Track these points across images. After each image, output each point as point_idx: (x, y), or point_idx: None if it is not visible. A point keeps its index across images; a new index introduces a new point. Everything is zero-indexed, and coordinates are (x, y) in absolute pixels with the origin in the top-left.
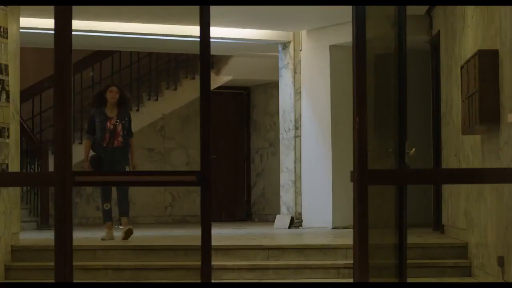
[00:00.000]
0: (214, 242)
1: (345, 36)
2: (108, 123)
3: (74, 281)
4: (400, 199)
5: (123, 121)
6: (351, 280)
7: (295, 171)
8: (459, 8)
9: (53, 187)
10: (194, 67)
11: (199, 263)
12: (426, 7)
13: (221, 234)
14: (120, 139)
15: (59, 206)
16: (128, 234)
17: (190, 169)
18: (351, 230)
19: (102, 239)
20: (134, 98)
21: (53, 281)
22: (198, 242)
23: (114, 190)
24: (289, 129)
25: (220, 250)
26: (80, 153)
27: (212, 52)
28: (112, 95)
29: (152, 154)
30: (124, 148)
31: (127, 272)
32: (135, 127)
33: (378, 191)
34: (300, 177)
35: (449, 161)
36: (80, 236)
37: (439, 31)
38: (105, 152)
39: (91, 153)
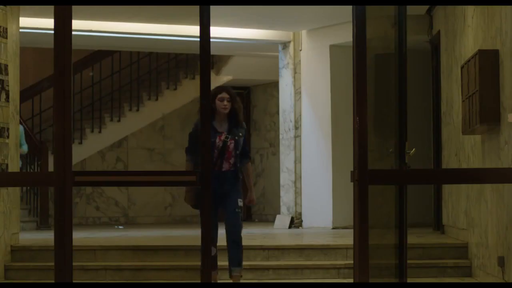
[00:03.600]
0: None
1: (345, 36)
2: (217, 139)
3: (74, 281)
4: (400, 199)
5: (236, 137)
6: (351, 280)
7: (295, 171)
8: (459, 8)
9: (53, 187)
10: (194, 67)
11: (199, 263)
12: (426, 7)
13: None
14: (232, 160)
15: (59, 206)
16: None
17: None
18: (351, 230)
19: None
20: (134, 98)
21: (53, 281)
22: (198, 242)
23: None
24: (289, 129)
25: (220, 250)
26: (80, 153)
27: (212, 52)
28: (223, 104)
29: (152, 154)
30: (237, 174)
31: (127, 272)
32: (135, 127)
33: (378, 191)
34: (300, 177)
35: (449, 161)
36: (80, 236)
37: (439, 31)
38: (213, 177)
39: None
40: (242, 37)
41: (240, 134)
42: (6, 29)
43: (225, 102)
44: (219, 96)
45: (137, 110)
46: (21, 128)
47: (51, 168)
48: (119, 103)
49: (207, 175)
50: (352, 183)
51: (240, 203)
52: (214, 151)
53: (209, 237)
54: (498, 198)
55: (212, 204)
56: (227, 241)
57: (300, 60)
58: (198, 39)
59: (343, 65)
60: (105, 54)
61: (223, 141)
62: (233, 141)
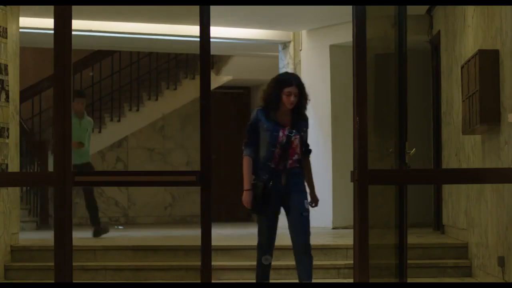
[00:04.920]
0: (214, 242)
1: (345, 36)
2: (280, 133)
3: (74, 281)
4: (400, 199)
5: (302, 133)
6: (351, 280)
7: None
8: (459, 8)
9: (53, 187)
10: (194, 67)
11: (199, 263)
12: (426, 7)
13: (221, 234)
14: (296, 157)
15: (59, 206)
16: None
17: (190, 169)
18: (351, 230)
19: None
20: (134, 98)
21: (53, 281)
22: (198, 242)
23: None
24: None
25: (220, 250)
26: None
27: (212, 52)
28: (289, 100)
29: (152, 154)
30: (300, 172)
31: (127, 272)
32: (135, 127)
33: (378, 191)
34: None
35: (450, 161)
36: (80, 236)
37: (439, 31)
38: (273, 176)
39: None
40: (242, 37)
41: (305, 128)
42: (6, 29)
43: (292, 98)
44: (287, 89)
45: (137, 110)
46: (89, 119)
47: (50, 168)
48: (119, 103)
49: (207, 175)
50: (352, 183)
51: (307, 205)
52: (275, 146)
53: (209, 237)
54: (498, 198)
55: (271, 206)
56: (296, 253)
57: (300, 60)
58: (198, 39)
59: (343, 65)
60: (105, 54)
61: (287, 135)
62: (297, 136)
